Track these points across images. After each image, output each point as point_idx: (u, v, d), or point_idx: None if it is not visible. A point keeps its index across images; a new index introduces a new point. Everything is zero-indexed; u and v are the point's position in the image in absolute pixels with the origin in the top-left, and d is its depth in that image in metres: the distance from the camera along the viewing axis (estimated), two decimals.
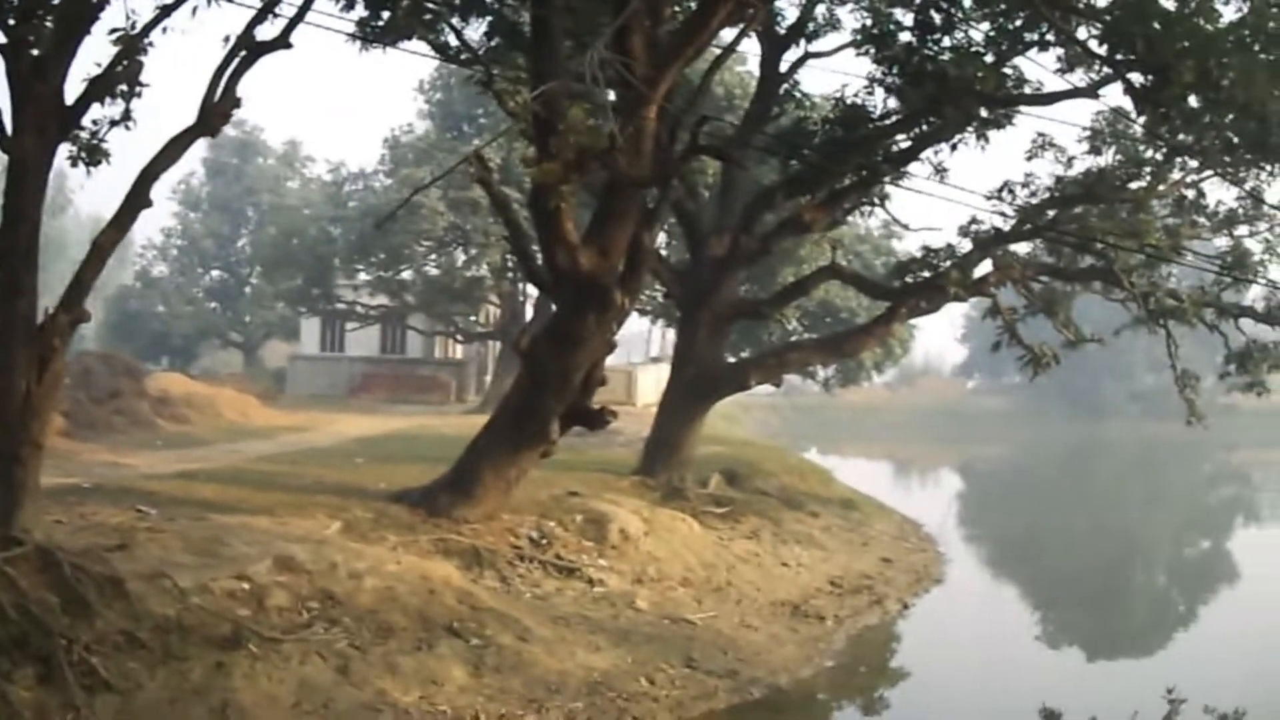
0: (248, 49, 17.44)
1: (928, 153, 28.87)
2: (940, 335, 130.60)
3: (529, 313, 58.15)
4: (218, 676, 13.89)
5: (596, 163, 19.18)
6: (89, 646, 13.05)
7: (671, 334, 54.36)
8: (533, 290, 56.24)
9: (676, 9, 23.60)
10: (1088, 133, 30.01)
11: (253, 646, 14.63)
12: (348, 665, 15.23)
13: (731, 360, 35.60)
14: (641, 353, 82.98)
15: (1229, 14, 19.90)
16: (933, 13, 25.45)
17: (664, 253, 38.11)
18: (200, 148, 17.76)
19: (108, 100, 17.56)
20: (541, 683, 16.45)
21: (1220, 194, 32.18)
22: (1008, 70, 26.10)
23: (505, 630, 17.51)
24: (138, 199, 16.57)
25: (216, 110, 17.19)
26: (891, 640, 24.40)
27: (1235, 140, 24.29)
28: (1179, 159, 28.98)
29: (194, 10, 17.97)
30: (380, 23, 24.63)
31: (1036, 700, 19.31)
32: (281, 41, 17.82)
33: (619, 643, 18.74)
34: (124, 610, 14.07)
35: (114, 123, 18.05)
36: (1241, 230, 31.88)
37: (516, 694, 15.96)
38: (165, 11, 17.42)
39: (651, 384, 60.84)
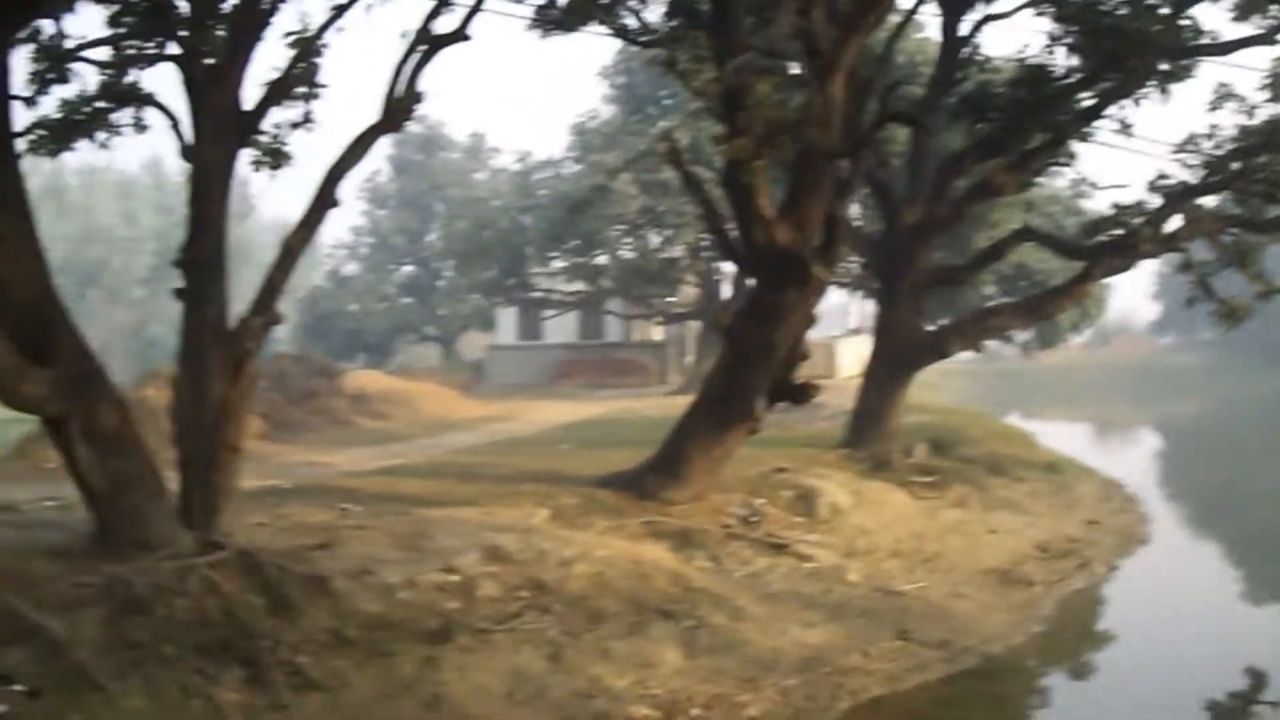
0: (426, 43, 17.38)
1: (1111, 109, 28.28)
2: (1133, 293, 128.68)
3: (725, 291, 57.94)
4: (427, 670, 13.85)
5: (787, 136, 18.98)
6: (295, 646, 13.06)
7: (869, 305, 53.75)
8: (729, 268, 56.17)
9: None
10: (1268, 79, 29.05)
11: (463, 638, 14.56)
12: (560, 653, 15.11)
13: (931, 328, 35.04)
14: (840, 325, 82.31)
15: None
16: None
17: (858, 223, 37.76)
18: (385, 145, 17.99)
19: (286, 103, 17.68)
20: (755, 661, 16.23)
21: None
22: (1184, 21, 25.60)
23: (718, 610, 17.33)
24: (325, 199, 16.61)
25: (399, 106, 17.18)
26: (1099, 603, 23.69)
27: None
28: None
29: (368, 7, 18.04)
30: (558, 8, 24.59)
31: (1243, 660, 18.76)
32: (460, 34, 17.74)
33: (831, 617, 18.47)
34: (330, 609, 14.09)
35: (294, 125, 18.18)
36: None
37: (731, 674, 15.76)
38: (339, 11, 17.46)
39: (851, 356, 60.41)
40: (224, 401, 15.54)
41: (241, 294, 17.08)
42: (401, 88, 17.22)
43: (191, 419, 15.90)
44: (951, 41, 30.86)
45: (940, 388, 63.42)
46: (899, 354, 30.72)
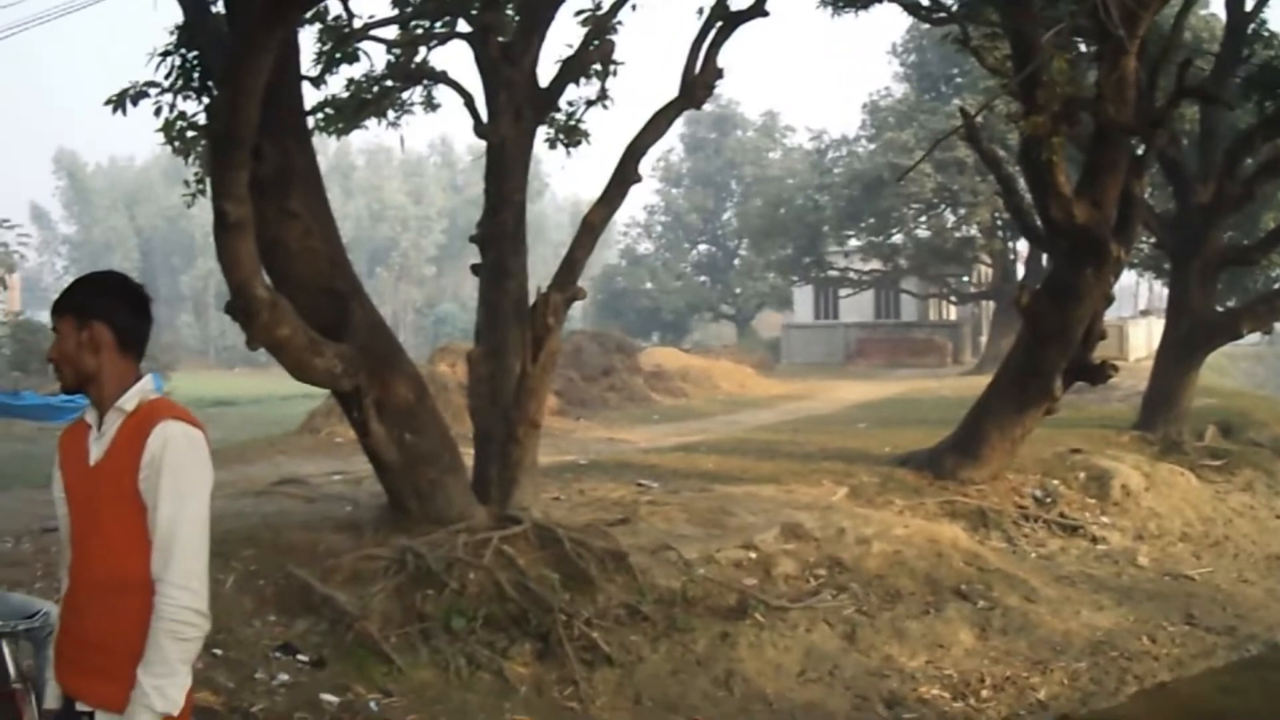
0: (723, 19, 17.23)
1: None
2: None
3: (1020, 271, 57.18)
4: (722, 647, 13.72)
5: (1085, 112, 18.62)
6: (589, 621, 13.05)
7: (1158, 286, 52.40)
8: (1023, 248, 55.47)
9: None
10: None
11: (759, 616, 14.45)
12: (854, 631, 14.90)
13: (1221, 309, 34.09)
14: (1130, 307, 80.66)
15: None
16: None
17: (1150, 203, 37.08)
18: (677, 124, 18.00)
19: (582, 81, 17.73)
20: (1046, 643, 15.85)
21: None
22: None
23: (1012, 591, 16.97)
24: (626, 175, 16.47)
25: (699, 82, 17.02)
26: None
27: None
28: None
29: None
30: None
31: None
32: (758, 9, 17.51)
33: (1121, 601, 17.96)
34: (626, 584, 14.09)
35: (590, 103, 18.24)
36: None
37: (1021, 655, 15.40)
38: None
39: (1142, 338, 59.08)
40: (524, 377, 15.63)
41: (535, 272, 17.20)
42: (699, 64, 17.09)
43: (489, 394, 16.07)
44: (1236, 17, 30.02)
45: (1227, 371, 61.71)
46: (1191, 335, 29.89)
